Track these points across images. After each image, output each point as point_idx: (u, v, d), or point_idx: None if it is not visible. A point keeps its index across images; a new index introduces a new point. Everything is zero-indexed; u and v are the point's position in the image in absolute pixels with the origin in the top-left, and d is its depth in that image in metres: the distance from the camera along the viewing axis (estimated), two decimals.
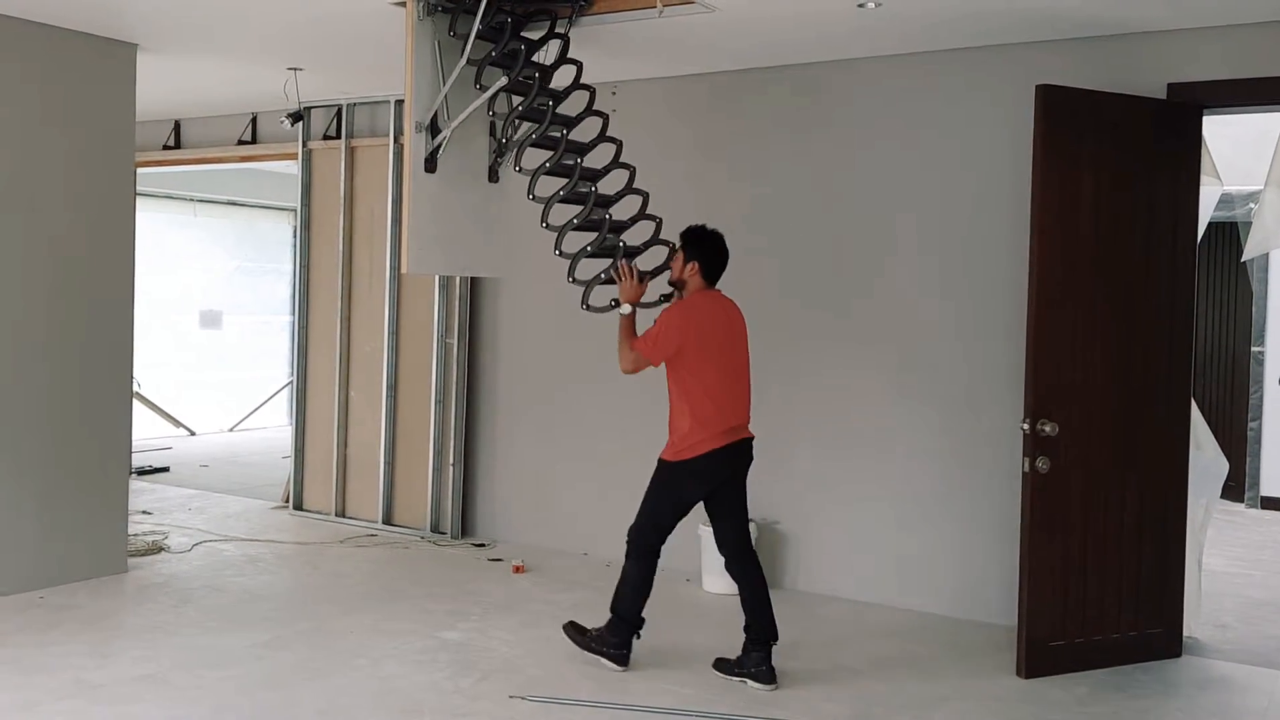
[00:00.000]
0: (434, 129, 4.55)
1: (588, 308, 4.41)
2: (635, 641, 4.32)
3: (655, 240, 4.56)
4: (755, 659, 4.20)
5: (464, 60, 4.42)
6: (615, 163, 4.66)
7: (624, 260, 4.37)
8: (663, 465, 4.31)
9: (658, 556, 4.35)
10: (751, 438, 4.31)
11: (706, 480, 4.25)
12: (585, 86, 4.69)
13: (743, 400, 4.29)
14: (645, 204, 4.64)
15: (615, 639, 4.28)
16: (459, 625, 4.80)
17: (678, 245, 4.37)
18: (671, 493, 4.28)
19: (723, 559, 4.39)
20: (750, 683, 4.16)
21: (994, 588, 4.96)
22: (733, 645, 4.61)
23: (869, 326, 5.31)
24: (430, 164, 4.57)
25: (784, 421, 5.52)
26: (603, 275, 4.37)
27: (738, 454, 4.26)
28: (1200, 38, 4.54)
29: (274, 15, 4.86)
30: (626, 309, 4.29)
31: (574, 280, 4.45)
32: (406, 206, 4.52)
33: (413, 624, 4.79)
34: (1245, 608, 5.46)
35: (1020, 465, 4.32)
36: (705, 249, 4.32)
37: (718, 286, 4.38)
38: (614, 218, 4.57)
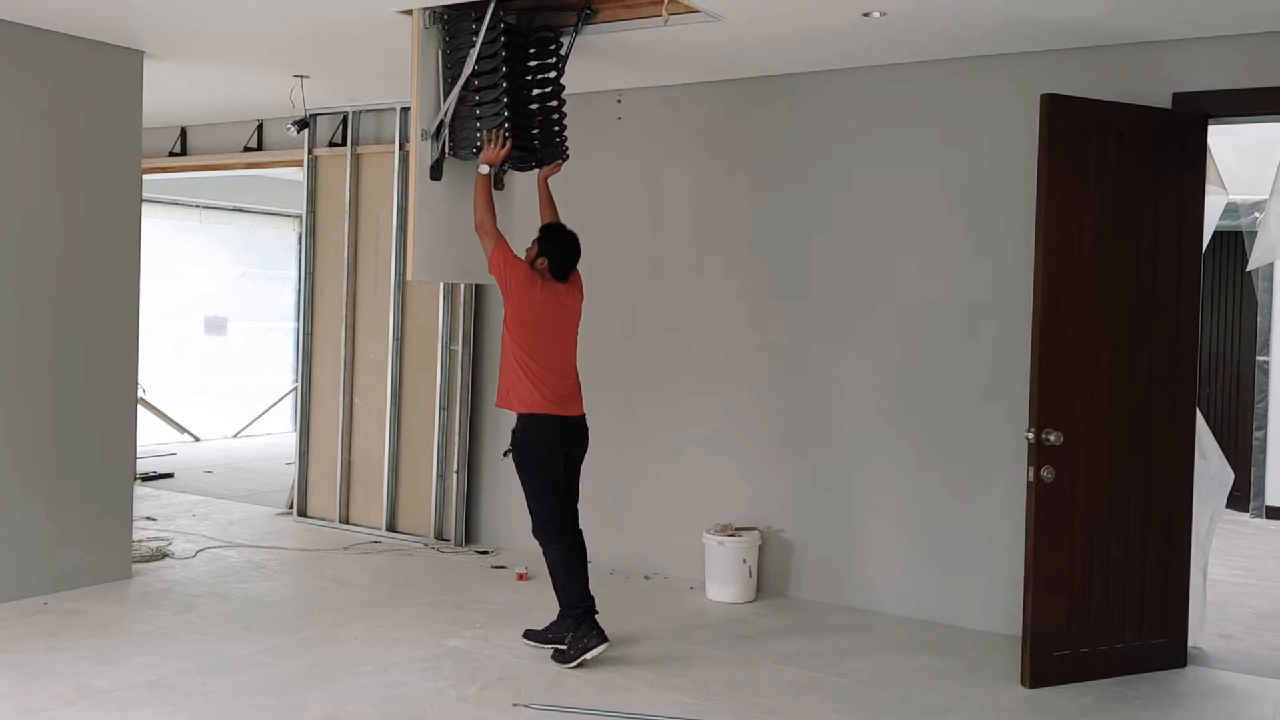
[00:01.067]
0: (439, 137, 4.57)
1: (454, 154, 4.60)
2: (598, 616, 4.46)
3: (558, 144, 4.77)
4: (569, 626, 4.44)
5: (467, 71, 4.45)
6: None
7: (497, 128, 4.48)
8: (516, 443, 4.48)
9: (573, 533, 4.53)
10: (583, 416, 4.60)
11: (553, 435, 4.45)
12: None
13: (569, 381, 4.54)
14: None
15: (581, 630, 4.39)
16: (463, 633, 4.80)
17: (536, 237, 4.61)
18: (535, 461, 4.45)
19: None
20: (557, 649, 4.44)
21: (999, 597, 4.95)
22: (734, 654, 4.61)
23: (873, 333, 5.31)
24: (436, 171, 4.58)
25: (788, 429, 5.53)
26: (478, 138, 4.50)
27: (576, 428, 4.56)
28: (1205, 47, 4.55)
29: (281, 23, 4.88)
30: (484, 169, 4.45)
31: (452, 148, 4.63)
32: (412, 214, 4.54)
33: (417, 631, 4.79)
34: (1250, 618, 5.45)
35: (1025, 474, 4.32)
36: (556, 248, 4.56)
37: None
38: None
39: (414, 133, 4.53)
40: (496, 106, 4.49)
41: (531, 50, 4.71)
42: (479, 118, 4.50)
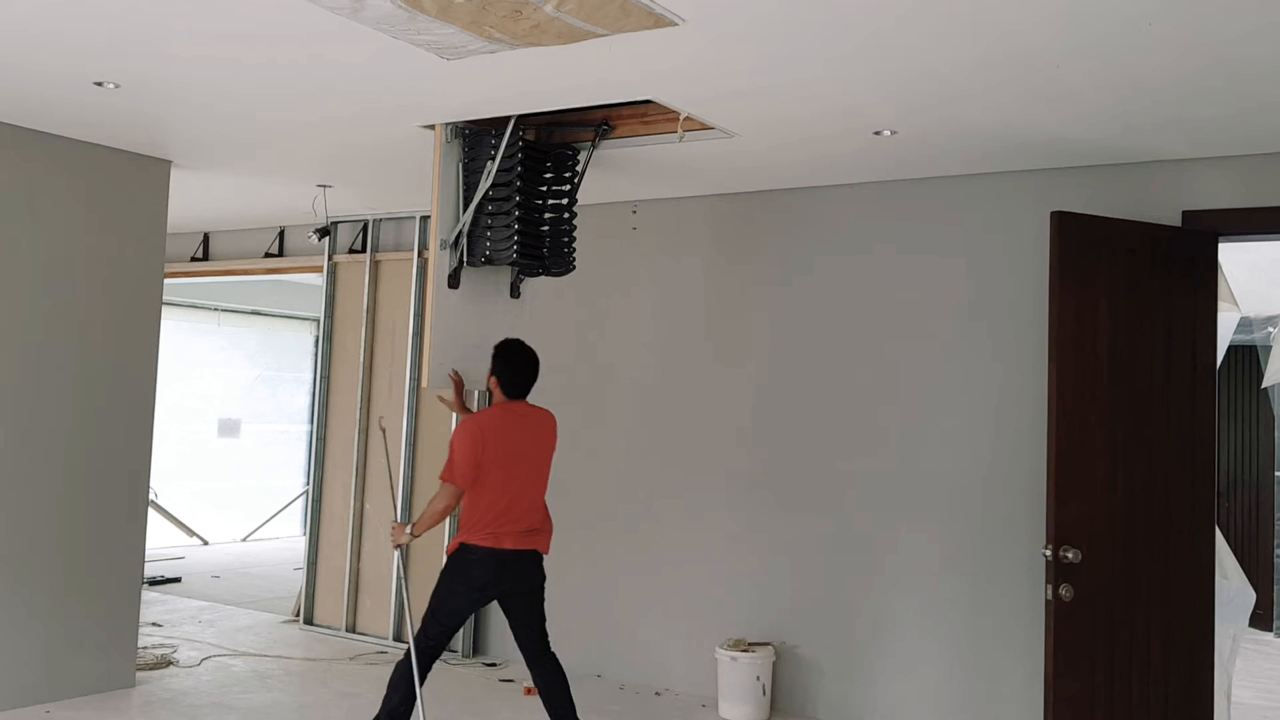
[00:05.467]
0: (457, 247, 4.65)
1: (471, 263, 4.67)
2: None
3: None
4: None
5: (485, 186, 4.56)
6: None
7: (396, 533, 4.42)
8: (448, 560, 4.32)
9: (434, 658, 4.31)
10: (535, 550, 4.31)
11: (481, 576, 4.22)
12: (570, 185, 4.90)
13: (527, 513, 4.28)
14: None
15: None
16: None
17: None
18: (450, 584, 4.27)
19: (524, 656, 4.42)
20: None
21: (1023, 717, 4.82)
22: None
23: (888, 447, 5.28)
24: (454, 280, 4.64)
25: (803, 542, 5.46)
26: (487, 248, 4.65)
27: (515, 565, 4.25)
28: (1213, 167, 4.61)
29: (307, 138, 5.00)
30: (405, 538, 4.37)
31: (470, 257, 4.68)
32: (428, 322, 4.58)
33: None
34: None
35: (1043, 593, 4.24)
36: (506, 364, 4.36)
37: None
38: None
39: (433, 243, 4.61)
40: (508, 219, 4.59)
41: (549, 164, 4.81)
42: (490, 227, 4.60)
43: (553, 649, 4.38)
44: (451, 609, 4.28)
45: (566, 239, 4.86)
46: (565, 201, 4.84)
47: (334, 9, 3.28)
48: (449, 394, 4.64)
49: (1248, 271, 5.67)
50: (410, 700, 4.23)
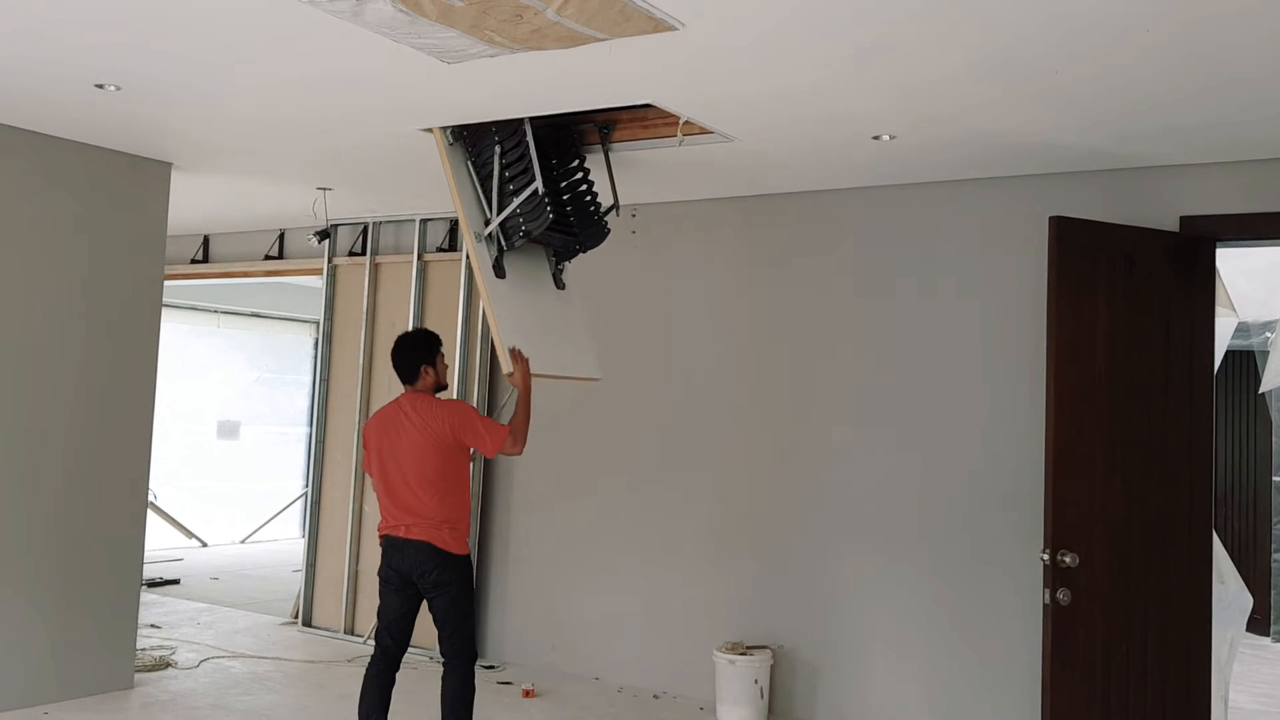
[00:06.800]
0: (493, 238, 4.64)
1: (511, 247, 4.66)
2: None
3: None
4: None
5: (495, 182, 4.56)
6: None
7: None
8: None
9: (391, 663, 4.38)
10: (428, 543, 4.18)
11: (383, 564, 4.32)
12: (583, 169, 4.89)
13: (403, 502, 4.23)
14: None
15: None
16: None
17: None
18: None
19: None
20: None
21: None
22: None
23: (887, 452, 5.29)
24: (499, 269, 4.62)
25: (803, 546, 5.47)
26: (522, 229, 4.58)
27: (402, 551, 4.23)
28: (1211, 173, 4.62)
29: (307, 141, 5.01)
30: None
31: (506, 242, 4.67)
32: (490, 314, 4.49)
33: None
34: None
35: (1041, 597, 4.25)
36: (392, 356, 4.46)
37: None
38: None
39: (468, 239, 4.58)
40: (534, 200, 4.53)
41: (551, 150, 4.80)
42: (520, 213, 4.55)
43: (459, 660, 4.31)
44: (381, 603, 4.38)
45: (593, 208, 4.87)
46: (579, 176, 4.84)
47: (335, 13, 3.29)
48: (516, 372, 4.33)
49: (1245, 277, 5.69)
50: (379, 709, 4.31)
